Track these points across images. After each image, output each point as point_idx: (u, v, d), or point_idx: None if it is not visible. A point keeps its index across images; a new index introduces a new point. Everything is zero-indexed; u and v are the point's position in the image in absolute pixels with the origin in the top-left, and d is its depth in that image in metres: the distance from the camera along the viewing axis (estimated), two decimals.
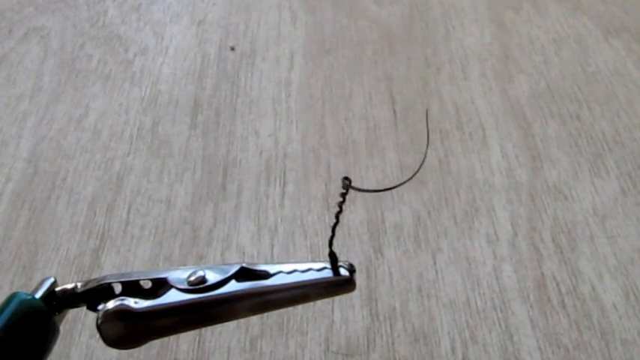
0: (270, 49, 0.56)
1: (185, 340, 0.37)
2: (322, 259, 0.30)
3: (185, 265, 0.41)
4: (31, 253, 0.42)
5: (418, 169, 0.27)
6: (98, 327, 0.30)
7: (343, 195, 0.27)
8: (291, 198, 0.45)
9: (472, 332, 0.37)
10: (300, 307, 0.38)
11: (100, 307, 0.30)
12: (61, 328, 0.32)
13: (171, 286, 0.30)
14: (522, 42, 0.55)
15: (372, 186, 0.45)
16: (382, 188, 0.27)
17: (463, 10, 0.59)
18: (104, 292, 0.32)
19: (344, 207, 0.28)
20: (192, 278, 0.30)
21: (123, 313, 0.30)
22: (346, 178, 0.27)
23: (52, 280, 0.32)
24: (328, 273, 0.30)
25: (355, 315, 0.38)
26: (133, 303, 0.30)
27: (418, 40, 0.56)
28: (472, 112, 0.50)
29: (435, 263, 0.41)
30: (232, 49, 0.56)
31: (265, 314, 0.38)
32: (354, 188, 0.27)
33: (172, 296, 0.30)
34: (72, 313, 0.37)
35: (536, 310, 0.38)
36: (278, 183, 0.46)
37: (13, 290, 0.34)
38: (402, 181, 0.27)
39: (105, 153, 0.48)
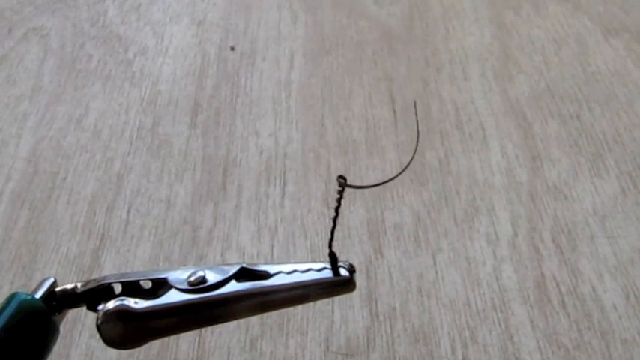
0: (270, 49, 0.56)
1: (185, 340, 0.37)
2: (322, 259, 0.30)
3: (185, 265, 0.41)
4: (31, 253, 0.42)
5: (411, 160, 0.27)
6: (98, 327, 0.30)
7: (339, 199, 0.27)
8: (291, 198, 0.45)
9: (472, 332, 0.37)
10: (300, 307, 0.38)
11: (100, 307, 0.30)
12: (61, 328, 0.32)
13: (171, 286, 0.30)
14: (522, 42, 0.55)
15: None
16: (376, 183, 0.27)
17: (463, 10, 0.59)
18: (104, 292, 0.32)
19: (341, 209, 0.28)
20: (192, 278, 0.30)
21: (123, 313, 0.30)
22: (341, 177, 0.27)
23: (52, 280, 0.32)
24: (328, 273, 0.30)
25: (355, 315, 0.38)
26: (133, 303, 0.30)
27: (418, 40, 0.56)
28: (472, 112, 0.50)
29: (435, 263, 0.41)
30: (232, 49, 0.56)
31: (265, 314, 0.38)
32: (349, 186, 0.27)
33: (172, 296, 0.30)
34: (72, 313, 0.37)
35: (536, 310, 0.38)
36: (278, 183, 0.46)
37: (13, 290, 0.34)
38: (394, 175, 0.27)
39: (105, 153, 0.48)
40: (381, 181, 0.27)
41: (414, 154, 0.27)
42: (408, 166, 0.27)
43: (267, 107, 0.51)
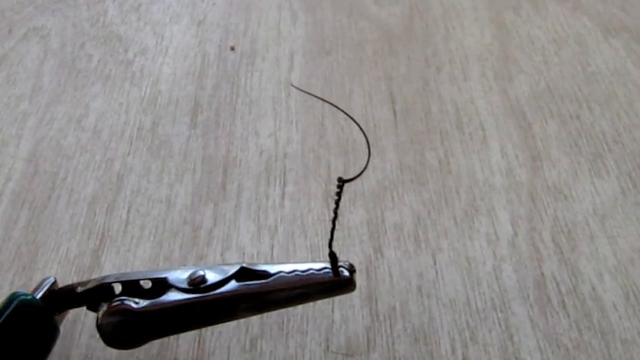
0: (270, 49, 0.56)
1: (185, 340, 0.37)
2: (322, 259, 0.30)
3: (185, 265, 0.41)
4: (31, 253, 0.42)
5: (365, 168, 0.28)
6: (98, 327, 0.30)
7: (337, 200, 0.28)
8: (291, 198, 0.45)
9: (472, 332, 0.37)
10: (300, 307, 0.38)
11: (100, 307, 0.30)
12: (61, 328, 0.32)
13: (171, 286, 0.31)
14: (522, 42, 0.55)
15: (371, 185, 0.45)
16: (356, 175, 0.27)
17: (463, 10, 0.59)
18: (104, 292, 0.32)
19: (341, 209, 0.28)
20: (192, 278, 0.30)
21: (123, 313, 0.30)
22: (340, 179, 0.28)
23: (52, 280, 0.32)
24: (328, 273, 0.30)
25: (355, 315, 0.38)
26: (133, 303, 0.30)
27: (418, 40, 0.56)
28: (472, 112, 0.50)
29: (435, 263, 0.41)
30: (232, 49, 0.56)
31: (265, 314, 0.38)
32: (347, 181, 0.27)
33: (172, 296, 0.30)
34: (72, 313, 0.37)
35: (536, 310, 0.38)
36: (278, 183, 0.46)
37: (13, 290, 0.34)
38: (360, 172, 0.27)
39: (105, 153, 0.48)
40: (360, 171, 0.27)
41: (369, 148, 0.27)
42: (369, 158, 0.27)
43: (267, 107, 0.51)
